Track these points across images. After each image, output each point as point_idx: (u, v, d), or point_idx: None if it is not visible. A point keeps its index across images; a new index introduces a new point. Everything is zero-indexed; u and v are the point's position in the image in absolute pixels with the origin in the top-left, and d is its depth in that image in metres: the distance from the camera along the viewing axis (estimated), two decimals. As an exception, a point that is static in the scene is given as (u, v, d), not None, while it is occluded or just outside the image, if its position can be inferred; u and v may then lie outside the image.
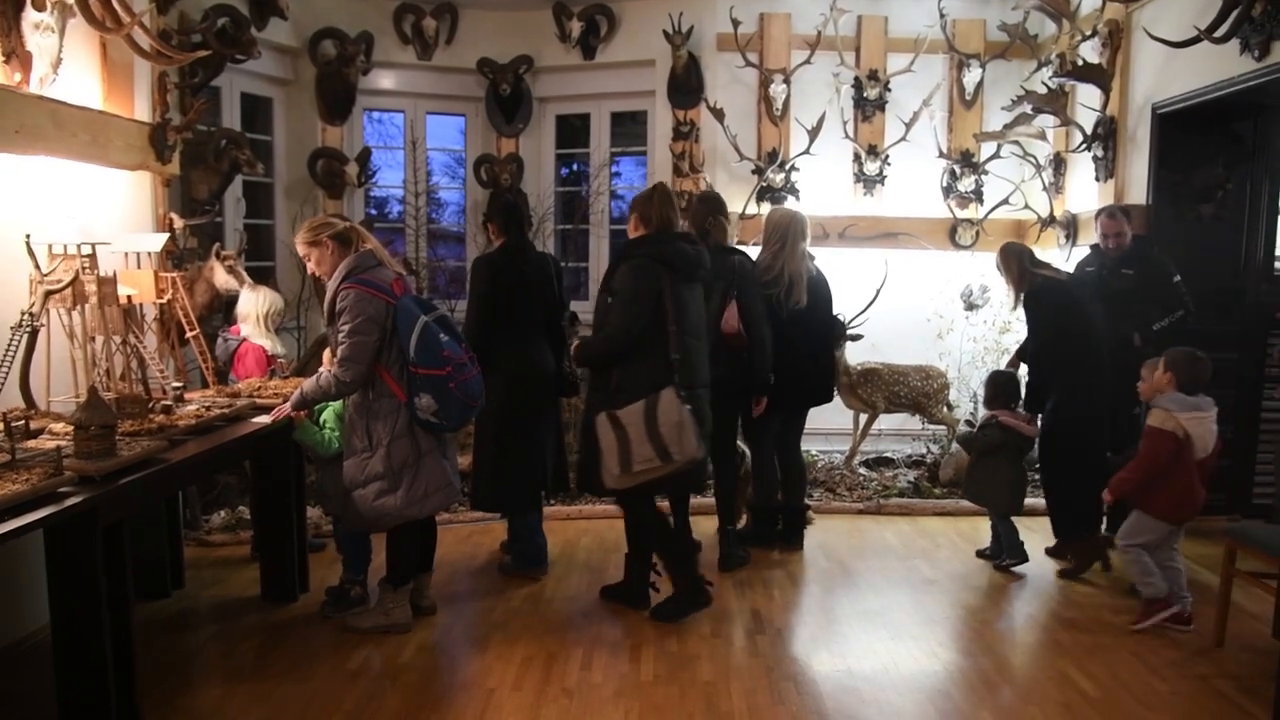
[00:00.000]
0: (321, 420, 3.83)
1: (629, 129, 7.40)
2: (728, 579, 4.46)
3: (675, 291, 3.77)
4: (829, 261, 6.41)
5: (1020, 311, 4.82)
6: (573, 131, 7.46)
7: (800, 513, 5.05)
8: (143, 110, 4.35)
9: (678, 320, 3.75)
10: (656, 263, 3.77)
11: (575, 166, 7.66)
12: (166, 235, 4.09)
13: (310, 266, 3.70)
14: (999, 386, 4.79)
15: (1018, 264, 4.65)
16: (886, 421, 6.53)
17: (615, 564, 4.08)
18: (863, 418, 6.39)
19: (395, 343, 3.54)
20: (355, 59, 6.48)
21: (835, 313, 5.22)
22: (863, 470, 6.35)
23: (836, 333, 5.58)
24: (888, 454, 6.60)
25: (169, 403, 3.54)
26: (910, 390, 6.29)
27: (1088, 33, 5.76)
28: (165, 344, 4.27)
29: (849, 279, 6.23)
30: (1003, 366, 5.24)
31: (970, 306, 6.63)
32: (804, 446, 6.37)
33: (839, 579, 4.56)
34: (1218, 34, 4.36)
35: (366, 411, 3.60)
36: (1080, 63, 5.65)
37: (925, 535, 5.25)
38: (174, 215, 4.58)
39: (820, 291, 4.85)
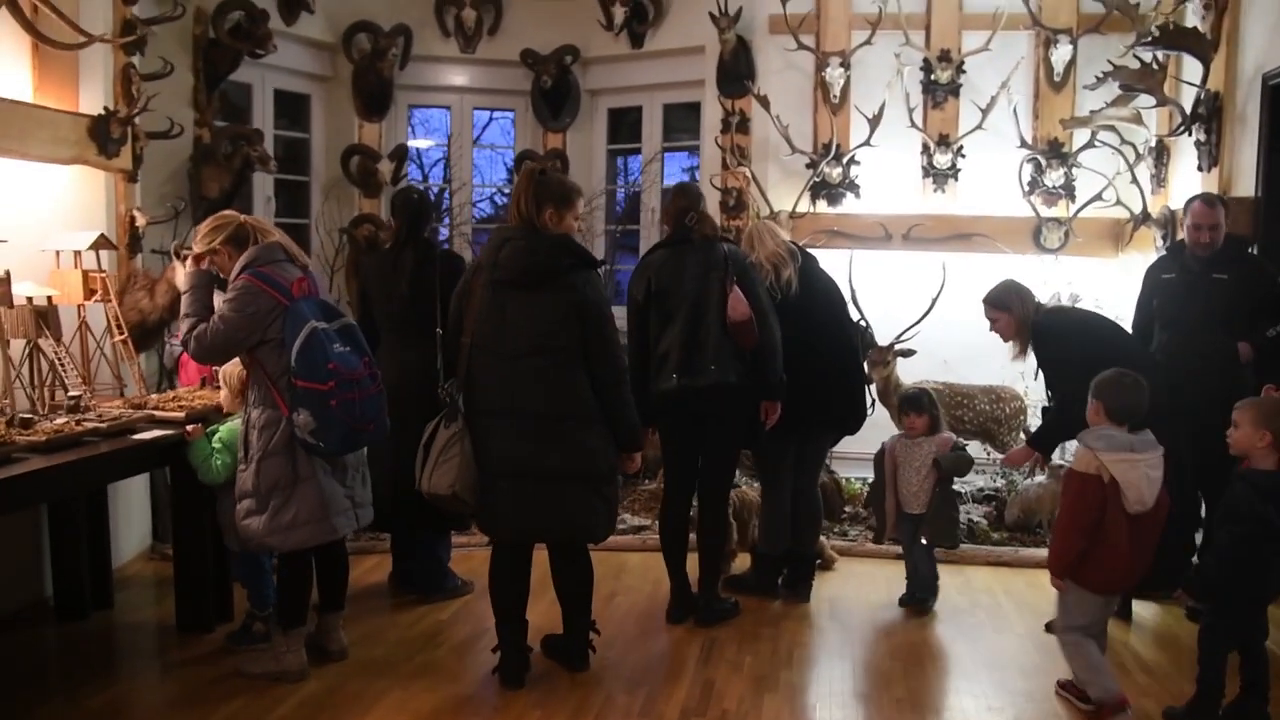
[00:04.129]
0: (214, 441, 3.28)
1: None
2: (698, 637, 3.62)
3: (485, 295, 3.03)
4: (891, 266, 5.52)
5: None
6: (635, 128, 6.71)
7: (809, 561, 4.13)
8: (93, 103, 3.93)
9: (474, 330, 3.03)
10: (479, 261, 3.15)
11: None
12: (96, 234, 3.64)
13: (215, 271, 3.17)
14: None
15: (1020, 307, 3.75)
16: (959, 449, 5.47)
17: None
18: (920, 445, 5.36)
19: (284, 348, 2.97)
20: (388, 53, 5.97)
21: (858, 319, 4.29)
22: (921, 505, 5.31)
23: (867, 342, 4.63)
24: (956, 486, 5.52)
25: (29, 415, 3.06)
26: (977, 414, 5.22)
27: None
28: (125, 348, 3.85)
29: (912, 286, 5.23)
30: None
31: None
32: (849, 474, 5.49)
33: (834, 647, 3.63)
34: None
35: (252, 421, 3.05)
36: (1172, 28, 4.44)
37: (967, 591, 4.21)
38: (137, 212, 4.17)
39: (827, 295, 3.95)
